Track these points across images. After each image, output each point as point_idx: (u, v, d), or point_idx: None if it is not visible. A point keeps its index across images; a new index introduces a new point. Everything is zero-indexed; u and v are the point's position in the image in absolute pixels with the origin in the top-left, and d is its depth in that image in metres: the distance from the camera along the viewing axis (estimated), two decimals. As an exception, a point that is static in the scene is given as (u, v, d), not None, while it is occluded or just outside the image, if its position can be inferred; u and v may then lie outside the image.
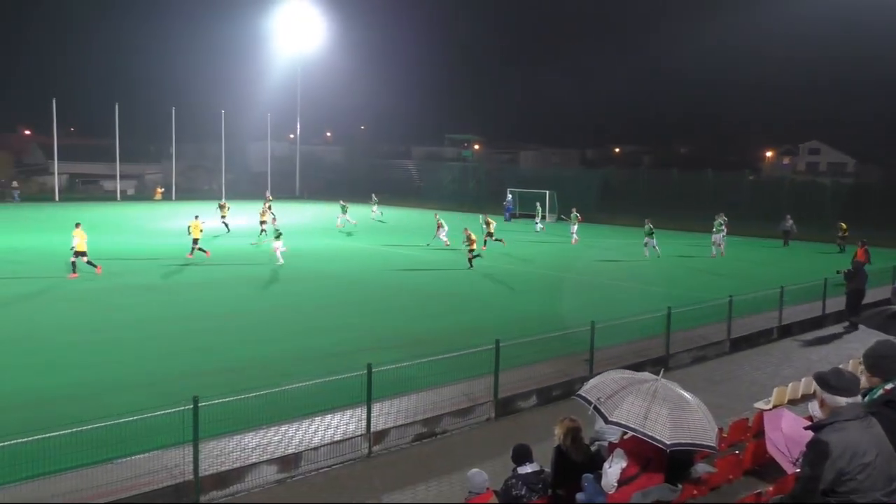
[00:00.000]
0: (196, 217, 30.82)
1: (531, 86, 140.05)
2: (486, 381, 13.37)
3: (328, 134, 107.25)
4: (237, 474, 10.09)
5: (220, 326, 18.59)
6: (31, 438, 9.16)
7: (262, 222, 37.24)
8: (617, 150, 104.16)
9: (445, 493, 10.22)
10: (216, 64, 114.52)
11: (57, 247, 30.49)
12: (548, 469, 7.90)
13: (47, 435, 9.32)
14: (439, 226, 36.07)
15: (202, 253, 29.54)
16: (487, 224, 34.99)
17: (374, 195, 54.52)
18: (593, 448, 7.99)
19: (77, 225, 25.65)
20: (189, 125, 73.95)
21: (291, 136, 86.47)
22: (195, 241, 29.95)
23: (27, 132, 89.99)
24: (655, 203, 53.55)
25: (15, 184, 65.09)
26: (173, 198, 69.14)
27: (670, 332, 16.75)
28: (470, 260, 29.11)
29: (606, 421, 6.99)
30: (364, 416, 11.52)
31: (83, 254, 25.06)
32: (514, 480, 7.70)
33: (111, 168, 69.24)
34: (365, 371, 11.49)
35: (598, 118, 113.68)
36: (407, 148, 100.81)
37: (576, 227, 39.77)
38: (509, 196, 56.17)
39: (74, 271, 24.63)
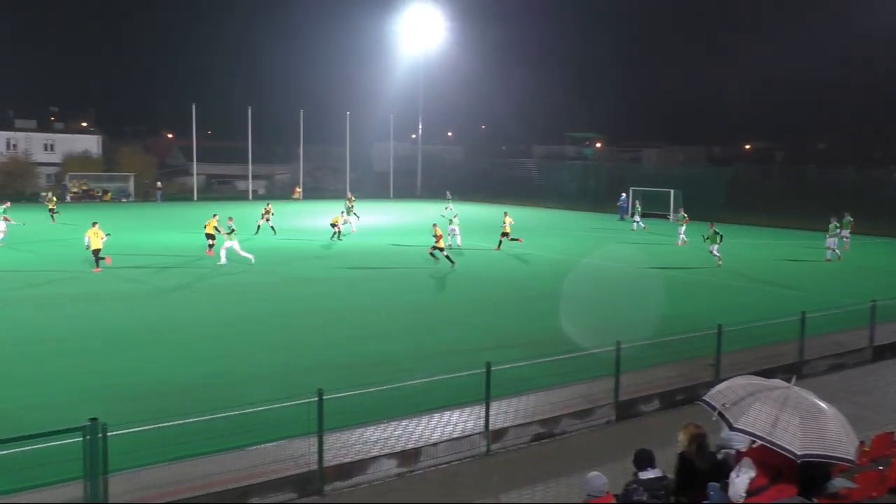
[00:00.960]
0: (214, 216, 30.71)
1: (655, 82, 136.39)
2: (605, 383, 13.13)
3: (449, 134, 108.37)
4: (359, 466, 10.34)
5: (343, 322, 19.11)
6: (171, 423, 9.79)
7: (334, 224, 37.44)
8: (747, 146, 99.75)
9: (563, 494, 10.10)
10: (342, 67, 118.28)
11: (194, 243, 32.27)
12: (670, 475, 7.66)
13: (185, 421, 9.94)
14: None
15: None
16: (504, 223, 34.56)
17: (448, 193, 53.49)
18: (719, 456, 7.68)
19: (94, 224, 26.60)
20: (316, 127, 76.77)
21: (413, 136, 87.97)
22: (209, 236, 29.96)
23: (170, 136, 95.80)
24: (788, 202, 51.00)
25: (158, 184, 69.41)
26: (301, 197, 71.79)
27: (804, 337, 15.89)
28: (431, 253, 28.53)
29: (731, 427, 6.70)
30: (483, 414, 11.56)
31: (97, 251, 26.03)
32: (635, 485, 7.51)
33: (244, 169, 72.70)
34: (484, 369, 11.52)
35: (726, 113, 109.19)
36: (527, 147, 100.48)
37: (683, 227, 38.02)
38: (623, 195, 54.85)
39: (97, 266, 25.92)
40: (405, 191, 77.71)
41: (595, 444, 12.05)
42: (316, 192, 74.53)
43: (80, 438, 8.24)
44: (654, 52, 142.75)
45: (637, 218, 46.06)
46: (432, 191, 78.32)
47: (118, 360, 15.07)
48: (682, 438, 7.56)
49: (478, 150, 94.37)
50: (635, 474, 7.59)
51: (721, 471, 7.33)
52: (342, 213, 39.42)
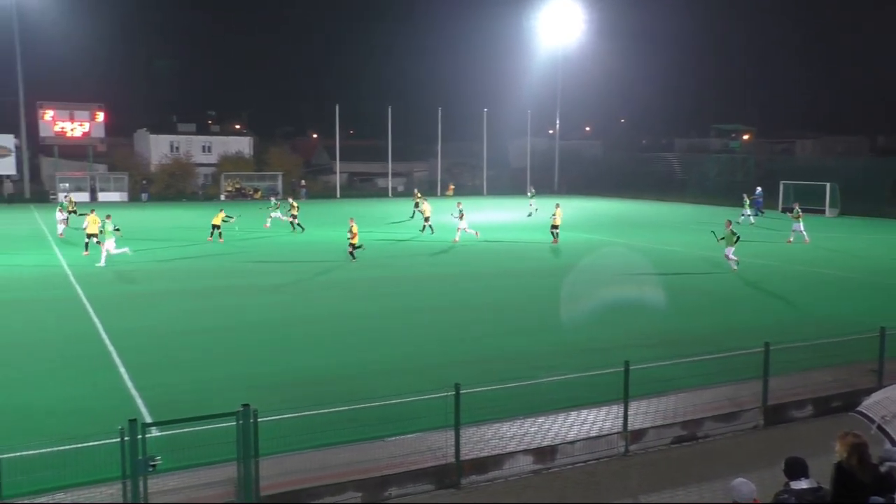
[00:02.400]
0: (221, 210, 34.70)
1: (811, 68, 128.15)
2: (753, 385, 12.52)
3: (587, 128, 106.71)
4: (495, 461, 10.37)
5: (480, 317, 19.22)
6: (314, 412, 10.21)
7: (426, 218, 38.23)
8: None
9: (706, 499, 9.72)
10: (479, 64, 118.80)
11: (333, 239, 33.46)
12: (826, 486, 7.19)
13: (327, 410, 10.35)
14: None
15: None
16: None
17: (531, 189, 53.25)
18: (882, 469, 7.14)
19: (92, 211, 30.22)
20: (453, 124, 77.69)
21: (551, 131, 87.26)
22: (214, 226, 33.61)
23: (315, 136, 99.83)
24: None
25: (303, 182, 72.49)
26: (438, 194, 72.91)
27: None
28: (351, 252, 28.30)
29: (894, 443, 6.19)
30: (621, 413, 11.32)
31: (94, 235, 28.64)
32: (786, 495, 7.09)
33: (384, 167, 74.66)
34: (622, 368, 11.27)
35: (892, 101, 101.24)
36: (669, 140, 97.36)
37: (801, 224, 35.07)
38: (759, 189, 51.81)
39: (87, 249, 28.95)
40: (543, 186, 77.20)
41: (741, 449, 11.53)
42: (456, 190, 75.45)
43: (234, 423, 8.72)
44: (810, 37, 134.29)
45: (747, 211, 43.91)
46: (571, 186, 77.48)
47: (263, 351, 15.86)
48: (839, 448, 7.08)
49: (617, 144, 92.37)
50: (786, 483, 7.18)
51: (884, 484, 6.81)
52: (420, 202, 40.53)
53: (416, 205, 39.99)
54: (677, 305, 21.03)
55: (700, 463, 11.01)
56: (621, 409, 11.32)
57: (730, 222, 27.47)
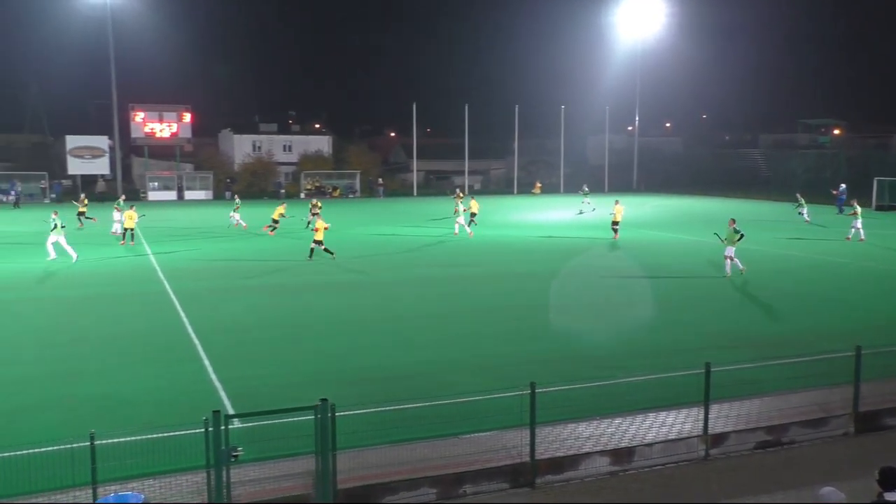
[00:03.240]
0: (283, 204, 35.71)
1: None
2: (843, 391, 12.01)
3: (667, 125, 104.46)
4: (571, 461, 10.26)
5: (557, 316, 19.05)
6: (391, 408, 10.32)
7: (473, 214, 38.56)
8: None
9: (792, 507, 9.40)
10: (557, 61, 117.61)
11: (411, 235, 33.69)
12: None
13: (403, 406, 10.46)
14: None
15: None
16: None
17: (585, 186, 53.28)
18: None
19: (131, 206, 34.69)
20: (530, 121, 77.22)
21: (630, 128, 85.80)
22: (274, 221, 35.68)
23: (392, 134, 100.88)
24: None
25: (380, 181, 73.38)
26: (515, 192, 72.64)
27: None
28: (311, 250, 28.00)
29: None
30: (701, 416, 11.03)
31: (131, 229, 33.10)
32: (878, 506, 6.80)
33: (460, 165, 74.85)
34: (702, 370, 10.99)
35: None
36: (753, 136, 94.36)
37: (859, 221, 33.54)
38: (843, 186, 49.48)
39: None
40: (621, 185, 76.02)
41: (829, 456, 11.09)
42: (529, 188, 75.06)
43: (312, 417, 8.89)
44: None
45: (803, 210, 42.48)
46: (650, 184, 76.06)
47: (340, 346, 16.09)
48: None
49: (698, 140, 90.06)
50: (880, 494, 6.87)
51: None
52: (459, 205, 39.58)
53: (458, 204, 39.65)
54: (760, 306, 20.41)
55: (785, 469, 10.64)
56: (701, 412, 11.04)
57: (733, 221, 25.68)
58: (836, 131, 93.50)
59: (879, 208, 50.29)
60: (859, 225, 33.53)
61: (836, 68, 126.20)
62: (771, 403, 11.93)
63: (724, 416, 11.41)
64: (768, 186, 65.73)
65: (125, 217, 33.29)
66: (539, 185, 74.39)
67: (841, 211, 46.26)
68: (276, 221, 36.56)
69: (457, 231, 37.01)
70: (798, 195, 44.70)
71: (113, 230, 36.00)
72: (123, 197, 41.36)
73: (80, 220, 40.34)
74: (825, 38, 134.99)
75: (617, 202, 36.29)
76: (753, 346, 15.45)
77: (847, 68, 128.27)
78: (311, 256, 27.95)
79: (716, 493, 9.93)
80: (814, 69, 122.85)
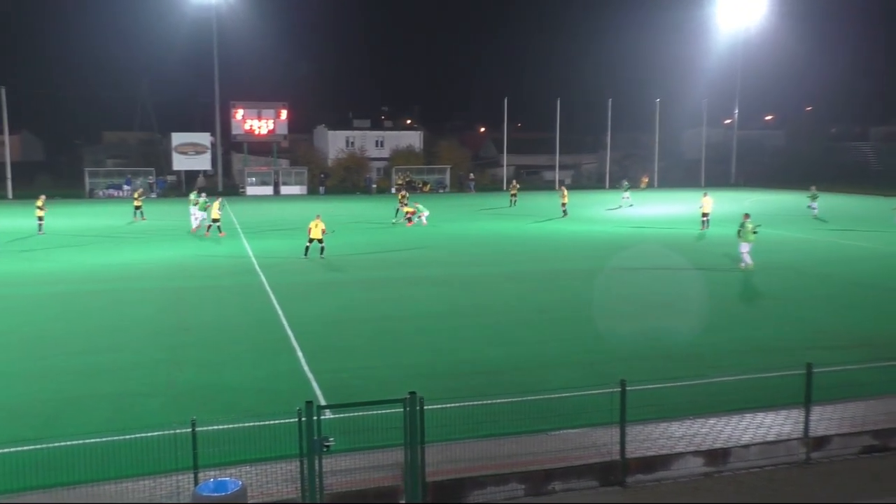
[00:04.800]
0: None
1: None
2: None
3: (768, 117, 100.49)
4: (662, 461, 10.04)
5: (649, 313, 18.68)
6: (480, 402, 10.36)
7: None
8: None
9: (901, 517, 8.92)
10: (652, 52, 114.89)
11: (505, 230, 33.57)
12: None
13: (493, 401, 10.46)
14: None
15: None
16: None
17: (624, 181, 53.71)
18: None
19: (218, 199, 36.22)
20: (624, 115, 75.78)
21: (727, 121, 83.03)
22: (214, 220, 34.31)
23: (482, 129, 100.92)
24: None
25: (471, 175, 73.54)
26: (606, 186, 71.47)
27: None
28: (306, 248, 27.68)
29: None
30: (801, 418, 10.60)
31: (217, 220, 34.19)
32: None
33: (551, 159, 74.23)
34: (803, 370, 10.55)
35: None
36: (863, 129, 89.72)
37: None
38: None
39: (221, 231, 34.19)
40: (719, 179, 73.73)
41: (942, 465, 10.47)
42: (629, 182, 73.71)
43: (401, 409, 8.99)
44: None
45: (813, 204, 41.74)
46: (749, 178, 73.49)
47: (428, 340, 16.23)
48: None
49: (802, 133, 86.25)
50: None
51: None
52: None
53: (514, 194, 44.59)
54: (870, 305, 19.45)
55: (892, 476, 10.11)
56: (802, 414, 10.61)
57: (748, 216, 24.89)
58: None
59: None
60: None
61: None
62: (878, 407, 11.35)
63: (826, 419, 10.93)
64: (879, 180, 62.43)
65: (213, 209, 34.37)
66: (646, 179, 72.47)
67: None
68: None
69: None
70: (813, 188, 43.78)
71: (195, 226, 36.19)
72: (204, 195, 41.00)
73: (136, 214, 42.08)
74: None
75: (705, 194, 37.39)
76: (863, 347, 14.75)
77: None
78: (306, 254, 27.65)
79: (818, 497, 9.53)
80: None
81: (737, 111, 79.10)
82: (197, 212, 36.54)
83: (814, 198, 42.21)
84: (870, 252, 28.32)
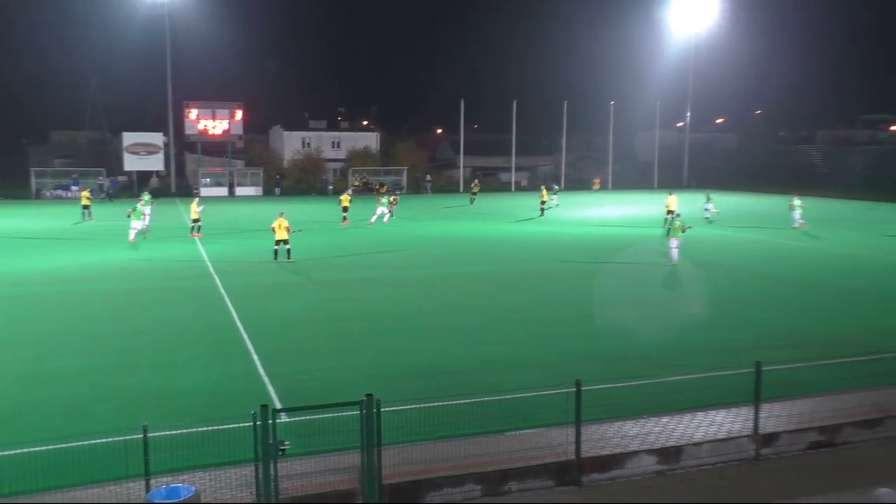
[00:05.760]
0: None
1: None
2: (900, 392, 11.71)
3: (719, 120, 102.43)
4: (617, 460, 10.17)
5: (605, 313, 18.88)
6: (437, 404, 10.38)
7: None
8: None
9: (846, 510, 9.18)
10: (607, 56, 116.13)
11: (468, 231, 33.68)
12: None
13: (450, 403, 10.50)
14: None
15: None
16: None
17: (554, 185, 55.35)
18: None
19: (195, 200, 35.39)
20: (579, 118, 76.56)
21: (680, 124, 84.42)
22: (195, 221, 34.33)
23: (439, 131, 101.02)
24: None
25: (428, 177, 73.59)
26: (562, 188, 72.15)
27: None
28: (275, 251, 26.89)
29: None
30: (751, 416, 10.84)
31: (197, 220, 34.06)
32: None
33: (507, 161, 74.65)
34: (752, 369, 10.80)
35: None
36: (810, 132, 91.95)
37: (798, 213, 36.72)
38: None
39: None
40: (671, 181, 74.93)
41: (885, 458, 10.81)
42: (578, 184, 74.55)
43: (358, 412, 8.96)
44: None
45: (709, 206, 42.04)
46: (701, 180, 74.81)
47: (387, 342, 16.16)
48: None
49: (752, 136, 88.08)
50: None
51: None
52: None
53: (475, 193, 46.06)
54: (816, 305, 19.96)
55: (839, 470, 10.40)
56: (751, 412, 10.85)
57: (678, 215, 28.39)
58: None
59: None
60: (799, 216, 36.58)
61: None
62: (825, 403, 11.67)
63: (775, 416, 11.19)
64: (826, 183, 64.09)
65: (191, 209, 34.28)
66: (598, 180, 73.38)
67: None
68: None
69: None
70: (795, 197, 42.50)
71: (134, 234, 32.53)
72: (148, 196, 39.34)
73: (84, 214, 41.43)
74: (886, 30, 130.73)
75: (671, 193, 39.27)
76: (808, 346, 15.12)
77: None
78: (276, 257, 26.91)
79: (767, 493, 9.75)
80: (874, 63, 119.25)
81: (689, 114, 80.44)
82: (134, 221, 32.89)
83: (708, 199, 43.58)
84: (815, 252, 29.07)
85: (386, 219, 40.58)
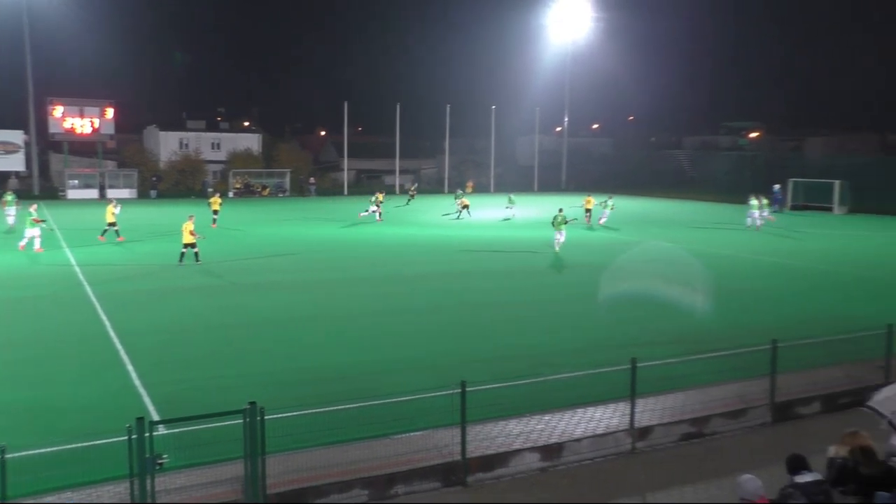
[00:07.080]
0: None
1: (821, 66, 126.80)
2: (761, 382, 12.49)
3: (596, 126, 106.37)
4: (501, 459, 10.37)
5: (493, 315, 19.21)
6: (322, 410, 10.22)
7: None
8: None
9: (714, 496, 9.71)
10: (488, 61, 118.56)
11: (346, 236, 33.37)
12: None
13: (335, 408, 10.40)
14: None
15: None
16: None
17: (510, 196, 49.84)
18: (891, 463, 7.13)
19: (111, 202, 33.46)
20: (461, 121, 77.50)
21: (559, 129, 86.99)
22: (111, 224, 32.70)
23: (323, 133, 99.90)
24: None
25: (312, 179, 72.60)
26: (445, 191, 72.89)
27: None
28: (182, 254, 26.41)
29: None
30: (628, 411, 11.30)
31: (113, 224, 32.48)
32: (790, 489, 7.11)
33: (391, 164, 74.64)
34: (629, 366, 11.26)
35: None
36: (678, 138, 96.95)
37: (757, 213, 39.24)
38: (777, 187, 51.58)
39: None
40: (550, 184, 77.06)
41: (749, 446, 11.51)
42: (461, 187, 75.42)
43: (241, 421, 8.74)
44: (818, 34, 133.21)
45: (755, 213, 40.07)
46: (579, 184, 77.30)
47: (270, 349, 15.85)
48: (838, 451, 7.10)
49: (626, 142, 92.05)
50: (791, 478, 7.20)
51: (891, 479, 6.80)
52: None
53: (378, 205, 43.59)
54: (689, 304, 20.98)
55: (708, 460, 11.00)
56: (628, 407, 11.31)
57: (561, 209, 31.32)
58: (755, 134, 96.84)
59: (794, 208, 52.37)
60: (757, 216, 39.02)
61: (757, 74, 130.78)
62: (694, 396, 12.31)
63: (650, 410, 11.72)
64: (693, 187, 67.61)
65: (107, 212, 32.77)
66: (471, 183, 74.66)
67: (775, 211, 47.43)
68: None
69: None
70: (757, 195, 41.52)
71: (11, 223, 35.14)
72: (4, 202, 37.91)
73: None
74: (747, 45, 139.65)
75: (589, 195, 43.93)
76: (683, 342, 15.82)
77: (766, 74, 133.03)
78: (181, 260, 26.29)
79: (642, 485, 10.18)
80: (736, 74, 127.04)
81: (566, 119, 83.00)
82: (12, 210, 34.59)
83: (511, 201, 46.35)
84: (689, 252, 30.58)
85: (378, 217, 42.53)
